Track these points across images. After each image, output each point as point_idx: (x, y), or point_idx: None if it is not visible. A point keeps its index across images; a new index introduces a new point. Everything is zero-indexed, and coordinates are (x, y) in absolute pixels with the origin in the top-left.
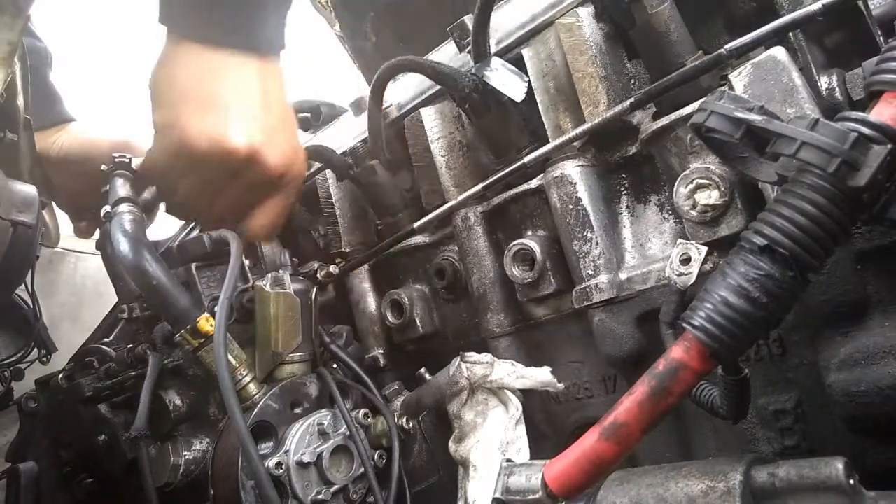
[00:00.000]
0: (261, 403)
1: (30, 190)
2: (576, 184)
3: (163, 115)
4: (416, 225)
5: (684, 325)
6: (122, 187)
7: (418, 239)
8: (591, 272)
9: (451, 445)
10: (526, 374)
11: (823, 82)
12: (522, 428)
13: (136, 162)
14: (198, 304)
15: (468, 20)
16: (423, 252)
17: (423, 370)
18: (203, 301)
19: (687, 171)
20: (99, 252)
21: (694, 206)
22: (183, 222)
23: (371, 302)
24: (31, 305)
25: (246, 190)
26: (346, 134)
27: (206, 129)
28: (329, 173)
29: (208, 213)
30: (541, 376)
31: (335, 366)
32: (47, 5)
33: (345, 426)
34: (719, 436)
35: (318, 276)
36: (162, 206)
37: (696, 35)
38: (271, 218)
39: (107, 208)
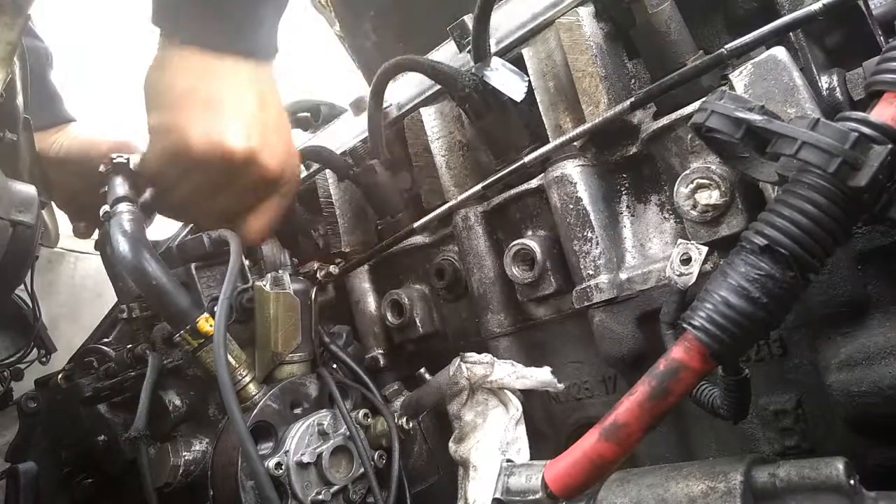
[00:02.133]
0: (260, 404)
1: (29, 190)
2: (576, 184)
3: (159, 117)
4: (416, 225)
5: (685, 325)
6: (121, 187)
7: (418, 239)
8: (591, 272)
9: (451, 446)
10: (526, 374)
11: (824, 82)
12: (522, 428)
13: (133, 162)
14: (197, 304)
15: (468, 20)
16: (423, 252)
17: (423, 370)
18: (203, 301)
19: (687, 171)
20: (98, 252)
21: (694, 206)
22: (183, 222)
23: (371, 302)
24: (31, 305)
25: (243, 192)
26: (346, 133)
27: (204, 131)
28: (329, 173)
29: (205, 214)
30: (541, 376)
31: (335, 366)
32: (47, 5)
33: (345, 426)
34: (720, 436)
35: (318, 276)
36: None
37: (696, 35)
38: (267, 219)
39: (106, 208)
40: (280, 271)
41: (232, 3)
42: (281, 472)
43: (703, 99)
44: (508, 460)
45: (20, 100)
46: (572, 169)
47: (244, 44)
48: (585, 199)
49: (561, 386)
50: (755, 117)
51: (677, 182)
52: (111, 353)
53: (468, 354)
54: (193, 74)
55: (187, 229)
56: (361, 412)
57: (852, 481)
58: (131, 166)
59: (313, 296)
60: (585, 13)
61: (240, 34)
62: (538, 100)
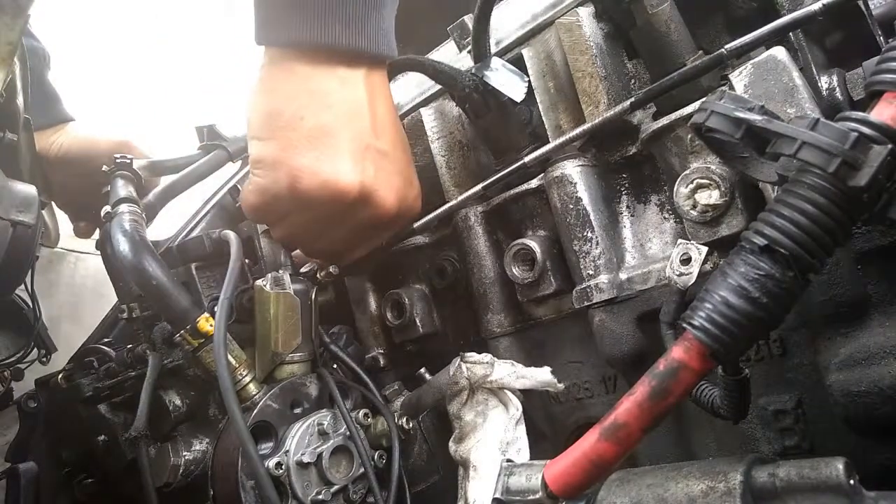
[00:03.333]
0: (261, 403)
1: (30, 190)
2: (576, 184)
3: (264, 148)
4: (416, 225)
5: (684, 325)
6: (122, 188)
7: (418, 239)
8: (591, 272)
9: (452, 445)
10: (526, 374)
11: (824, 82)
12: (522, 428)
13: (137, 163)
14: (198, 304)
15: (468, 20)
16: (423, 252)
17: (423, 370)
18: (203, 301)
19: (687, 171)
20: (99, 252)
21: (694, 206)
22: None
23: (371, 302)
24: (31, 305)
25: (355, 229)
26: None
27: (313, 168)
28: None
29: (311, 251)
30: (541, 376)
31: (335, 366)
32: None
33: (345, 426)
34: (719, 436)
35: (318, 276)
36: (166, 208)
37: (696, 35)
38: (372, 251)
39: (107, 208)
40: (280, 271)
41: None
42: (281, 471)
43: (703, 99)
44: (508, 460)
45: (20, 100)
46: (572, 169)
47: (361, 37)
48: (585, 199)
49: (561, 386)
50: (755, 117)
51: (677, 182)
52: (111, 353)
53: (468, 354)
54: (298, 94)
55: (188, 229)
56: (361, 412)
57: (852, 481)
58: (135, 166)
59: (313, 296)
60: (585, 13)
61: (356, 26)
62: (538, 100)
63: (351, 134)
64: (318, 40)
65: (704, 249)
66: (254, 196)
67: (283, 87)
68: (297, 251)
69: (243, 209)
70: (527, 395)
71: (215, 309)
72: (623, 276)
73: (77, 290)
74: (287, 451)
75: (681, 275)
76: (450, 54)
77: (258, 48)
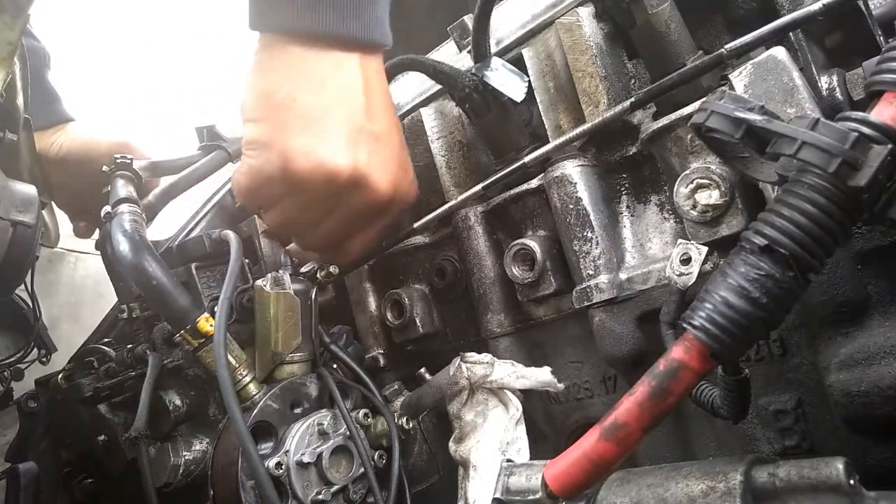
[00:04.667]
0: (261, 403)
1: (29, 190)
2: (576, 184)
3: (257, 129)
4: (416, 225)
5: (684, 325)
6: (122, 188)
7: (418, 239)
8: (591, 272)
9: (452, 446)
10: (526, 374)
11: (824, 82)
12: (522, 428)
13: (137, 163)
14: (198, 304)
15: (468, 20)
16: (423, 252)
17: (423, 370)
18: (203, 301)
19: (687, 171)
20: (99, 252)
21: (694, 206)
22: (183, 222)
23: (371, 302)
24: (31, 305)
25: (349, 216)
26: None
27: (306, 148)
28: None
29: (304, 239)
30: (541, 376)
31: (335, 366)
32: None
33: (345, 426)
34: (719, 436)
35: (318, 276)
36: (166, 208)
37: (696, 35)
38: (371, 242)
39: (107, 208)
40: (280, 271)
41: None
42: (281, 471)
43: (703, 99)
44: (508, 460)
45: (20, 100)
46: (572, 169)
47: (355, 25)
48: (585, 199)
49: (561, 386)
50: (755, 117)
51: (677, 182)
52: (111, 353)
53: (468, 354)
54: (294, 78)
55: (188, 229)
56: (361, 412)
57: (852, 481)
58: (135, 167)
59: (313, 296)
60: (585, 13)
61: (349, 13)
62: (538, 100)
63: (345, 116)
64: (312, 27)
65: (704, 249)
66: (246, 177)
67: (277, 69)
68: (294, 246)
69: (234, 192)
70: (527, 395)
71: (215, 309)
72: (623, 276)
73: (77, 290)
74: (287, 451)
75: (681, 275)
76: (450, 54)
77: (254, 35)
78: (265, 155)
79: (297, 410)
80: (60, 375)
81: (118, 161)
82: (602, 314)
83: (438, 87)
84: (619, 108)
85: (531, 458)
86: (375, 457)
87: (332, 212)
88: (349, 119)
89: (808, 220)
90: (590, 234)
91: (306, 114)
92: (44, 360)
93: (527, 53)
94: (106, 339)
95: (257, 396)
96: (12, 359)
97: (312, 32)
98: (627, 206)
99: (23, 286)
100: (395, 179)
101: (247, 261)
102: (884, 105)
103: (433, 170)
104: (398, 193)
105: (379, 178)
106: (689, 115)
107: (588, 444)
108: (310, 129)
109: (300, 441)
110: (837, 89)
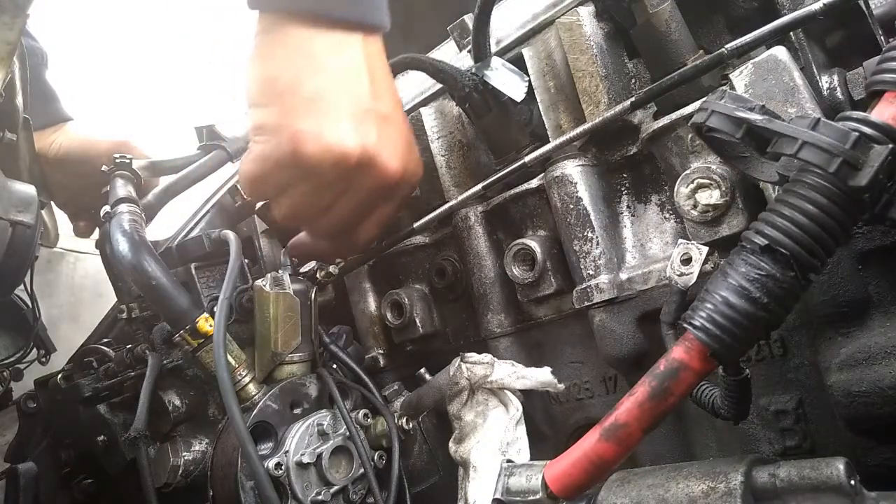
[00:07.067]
0: (260, 404)
1: (29, 190)
2: (576, 183)
3: (264, 115)
4: (416, 225)
5: (685, 325)
6: (122, 188)
7: (418, 239)
8: (591, 272)
9: (452, 446)
10: (526, 374)
11: (824, 82)
12: (523, 428)
13: (136, 163)
14: (197, 304)
15: (468, 19)
16: (423, 252)
17: (423, 370)
18: (203, 301)
19: (688, 171)
20: (98, 252)
21: (695, 206)
22: (182, 222)
23: (371, 302)
24: (30, 305)
25: (360, 198)
26: None
27: (314, 132)
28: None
29: (319, 225)
30: (541, 377)
31: (335, 366)
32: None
33: (345, 427)
34: (720, 436)
35: (318, 276)
36: (166, 208)
37: (696, 34)
38: (381, 226)
39: (106, 208)
40: (280, 271)
41: None
42: (281, 472)
43: (704, 99)
44: (508, 460)
45: (20, 100)
46: (573, 169)
47: (354, 7)
48: (586, 199)
49: (561, 386)
50: (755, 117)
51: (678, 182)
52: (111, 353)
53: (468, 354)
54: (295, 59)
55: (187, 229)
56: (361, 412)
57: (853, 481)
58: (134, 166)
59: (313, 296)
60: (585, 13)
61: None
62: (538, 100)
63: (350, 97)
64: (313, 7)
65: (705, 249)
66: (255, 164)
67: (280, 52)
68: (293, 245)
69: (241, 183)
70: (527, 396)
71: (215, 309)
72: (623, 276)
73: (76, 290)
74: (287, 451)
75: (681, 275)
76: (450, 54)
77: (253, 19)
78: (274, 140)
79: (297, 411)
80: (60, 376)
81: (117, 161)
82: (602, 314)
83: (438, 86)
84: (619, 107)
85: (531, 459)
86: (375, 457)
87: (343, 195)
88: (356, 100)
89: (808, 219)
90: (590, 234)
91: (312, 96)
92: (43, 360)
93: (527, 53)
94: (105, 340)
95: (257, 397)
96: (11, 359)
97: (313, 13)
98: (628, 206)
99: (22, 286)
100: (404, 158)
101: (246, 261)
102: (884, 105)
103: (433, 170)
104: (407, 172)
105: (388, 157)
106: (690, 115)
107: (588, 444)
108: (317, 111)
109: (300, 441)
110: (838, 89)
